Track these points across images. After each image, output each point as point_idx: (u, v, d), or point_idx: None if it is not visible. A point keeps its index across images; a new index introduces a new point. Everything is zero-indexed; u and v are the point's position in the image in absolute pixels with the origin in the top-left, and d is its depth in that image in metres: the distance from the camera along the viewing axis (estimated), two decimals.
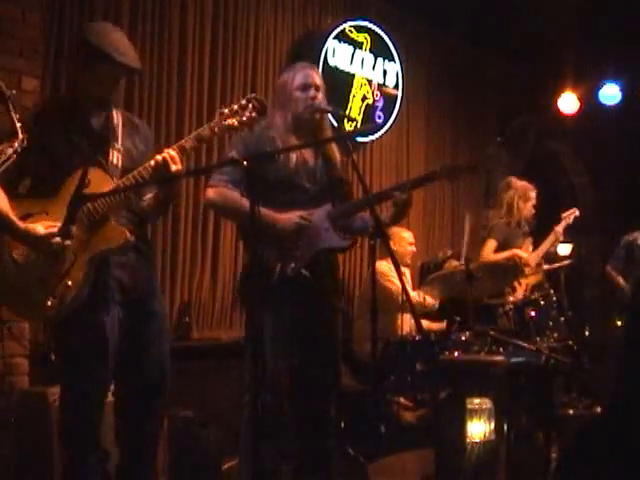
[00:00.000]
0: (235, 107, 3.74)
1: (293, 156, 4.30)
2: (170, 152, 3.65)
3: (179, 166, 3.66)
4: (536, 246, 7.37)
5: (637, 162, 10.50)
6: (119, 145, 3.81)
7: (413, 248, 7.27)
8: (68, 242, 3.47)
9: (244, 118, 3.70)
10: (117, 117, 3.90)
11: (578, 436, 1.99)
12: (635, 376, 1.94)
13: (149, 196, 3.88)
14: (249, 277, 4.23)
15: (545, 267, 7.21)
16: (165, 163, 3.61)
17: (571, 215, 7.57)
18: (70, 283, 3.55)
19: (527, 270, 7.08)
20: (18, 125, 3.35)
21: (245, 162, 3.45)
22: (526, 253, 7.17)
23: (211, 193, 4.34)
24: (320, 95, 4.40)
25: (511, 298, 6.98)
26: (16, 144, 3.33)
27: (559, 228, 7.40)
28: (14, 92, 3.41)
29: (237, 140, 4.27)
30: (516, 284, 7.11)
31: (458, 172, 4.51)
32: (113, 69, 3.75)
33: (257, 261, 3.97)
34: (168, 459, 5.05)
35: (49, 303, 3.52)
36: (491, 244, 7.20)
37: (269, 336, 4.09)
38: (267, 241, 4.06)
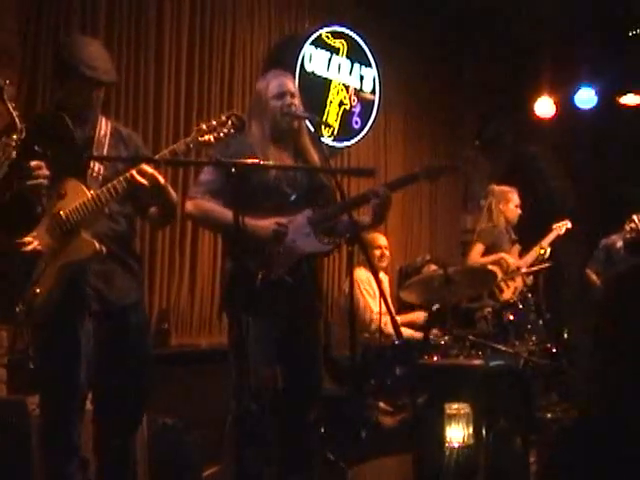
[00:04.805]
0: (214, 123, 3.72)
1: (272, 163, 4.28)
2: (143, 167, 3.65)
3: (158, 179, 3.67)
4: (523, 251, 7.44)
5: (612, 165, 10.57)
6: (101, 155, 3.82)
7: (384, 251, 7.23)
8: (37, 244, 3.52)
9: (221, 135, 3.69)
10: (104, 127, 3.91)
11: (556, 443, 2.00)
12: (608, 380, 1.96)
13: (153, 209, 3.95)
14: (233, 284, 4.23)
15: (524, 270, 7.25)
16: (132, 178, 3.62)
17: (562, 226, 7.65)
18: (39, 290, 3.57)
19: (513, 273, 7.14)
20: (15, 114, 3.35)
21: (233, 169, 3.47)
22: (513, 259, 7.22)
23: (189, 206, 4.33)
24: (296, 101, 4.40)
25: (491, 302, 7.02)
26: (15, 136, 3.34)
27: (545, 242, 7.47)
28: (7, 82, 3.40)
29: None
30: (504, 286, 7.15)
31: (438, 172, 4.52)
32: (82, 83, 3.74)
33: (240, 268, 3.98)
34: (148, 466, 5.04)
35: (17, 309, 3.54)
36: (478, 248, 7.26)
37: (253, 342, 4.08)
38: (249, 248, 4.06)
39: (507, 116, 10.09)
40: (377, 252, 7.19)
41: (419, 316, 7.17)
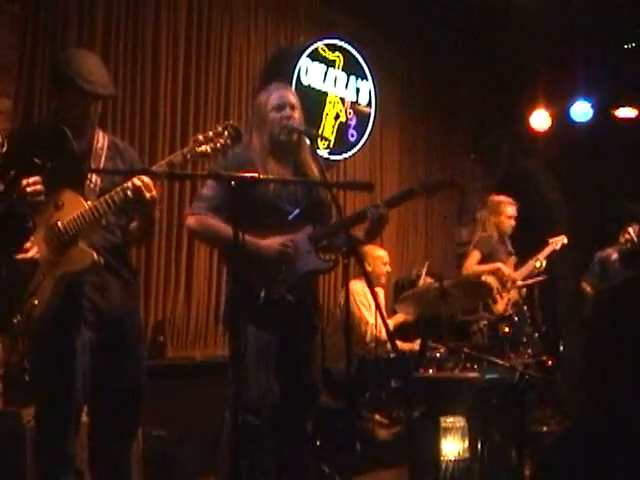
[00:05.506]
0: (210, 134, 3.71)
1: (271, 177, 4.26)
2: (143, 178, 3.65)
3: (153, 192, 3.67)
4: (519, 264, 7.45)
5: (608, 178, 10.59)
6: (100, 167, 3.83)
7: (388, 268, 7.24)
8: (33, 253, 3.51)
9: (218, 145, 3.68)
10: (101, 140, 3.91)
11: (547, 452, 2.01)
12: (597, 389, 1.97)
13: (134, 224, 3.92)
14: (234, 299, 4.21)
15: (519, 283, 7.25)
16: (135, 189, 3.62)
17: (558, 242, 7.65)
18: (36, 302, 3.57)
19: (508, 285, 7.15)
20: None
21: (233, 182, 3.47)
22: (509, 270, 7.23)
23: (191, 221, 4.33)
24: (296, 114, 4.37)
25: (486, 315, 7.01)
26: None
27: (541, 256, 7.48)
28: None
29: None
30: (497, 297, 7.14)
31: (436, 188, 4.51)
32: (80, 96, 3.75)
33: (241, 284, 3.96)
34: (143, 478, 5.03)
35: (15, 320, 3.54)
36: (475, 255, 7.27)
37: (252, 356, 4.07)
38: (251, 266, 4.05)
39: (503, 128, 10.11)
40: (384, 269, 7.18)
41: (411, 347, 7.15)
